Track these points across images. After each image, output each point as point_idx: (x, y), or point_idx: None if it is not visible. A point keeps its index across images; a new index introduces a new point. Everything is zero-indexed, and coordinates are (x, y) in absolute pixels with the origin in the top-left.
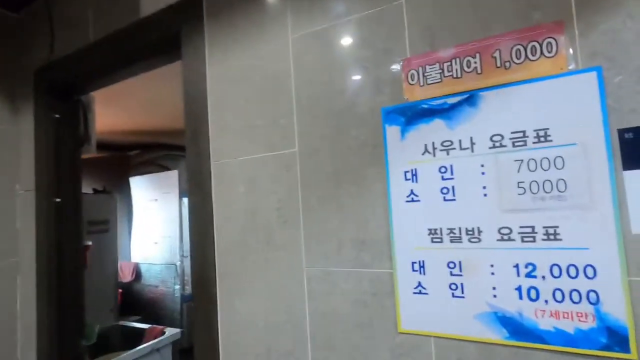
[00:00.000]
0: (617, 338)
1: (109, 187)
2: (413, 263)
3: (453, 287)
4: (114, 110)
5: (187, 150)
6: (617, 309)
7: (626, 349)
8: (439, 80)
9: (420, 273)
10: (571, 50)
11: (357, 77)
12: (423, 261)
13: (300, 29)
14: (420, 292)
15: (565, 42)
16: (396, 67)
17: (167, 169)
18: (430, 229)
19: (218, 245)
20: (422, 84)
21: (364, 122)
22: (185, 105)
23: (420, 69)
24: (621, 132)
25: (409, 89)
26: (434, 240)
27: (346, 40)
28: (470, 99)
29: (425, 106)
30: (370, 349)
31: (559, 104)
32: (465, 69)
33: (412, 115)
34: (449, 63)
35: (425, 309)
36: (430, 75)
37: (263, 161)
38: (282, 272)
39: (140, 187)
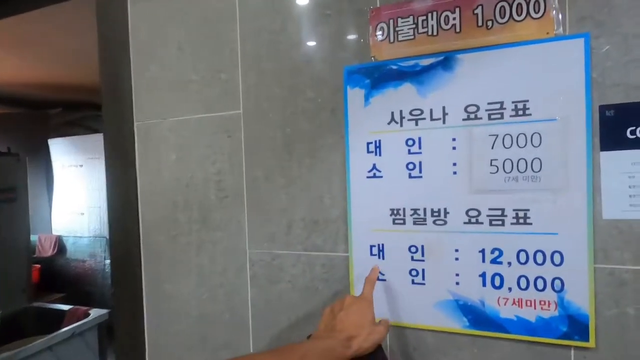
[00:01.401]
0: (577, 327)
1: (18, 149)
2: (372, 247)
3: (414, 273)
4: (26, 61)
5: (104, 108)
6: (580, 297)
7: (585, 338)
8: (412, 37)
9: (379, 257)
10: (560, 12)
11: (315, 27)
12: (382, 244)
13: None
14: (378, 279)
15: (553, 3)
16: (363, 17)
17: (95, 131)
18: (392, 209)
19: (144, 222)
20: (392, 40)
21: (322, 82)
22: (100, 51)
23: (391, 22)
24: (602, 108)
25: (377, 45)
26: (396, 221)
27: None
28: (446, 61)
29: (394, 67)
30: None
31: (542, 73)
32: (443, 25)
33: (379, 77)
34: (424, 17)
35: (383, 296)
36: (402, 30)
37: (200, 123)
38: (221, 255)
39: (62, 151)
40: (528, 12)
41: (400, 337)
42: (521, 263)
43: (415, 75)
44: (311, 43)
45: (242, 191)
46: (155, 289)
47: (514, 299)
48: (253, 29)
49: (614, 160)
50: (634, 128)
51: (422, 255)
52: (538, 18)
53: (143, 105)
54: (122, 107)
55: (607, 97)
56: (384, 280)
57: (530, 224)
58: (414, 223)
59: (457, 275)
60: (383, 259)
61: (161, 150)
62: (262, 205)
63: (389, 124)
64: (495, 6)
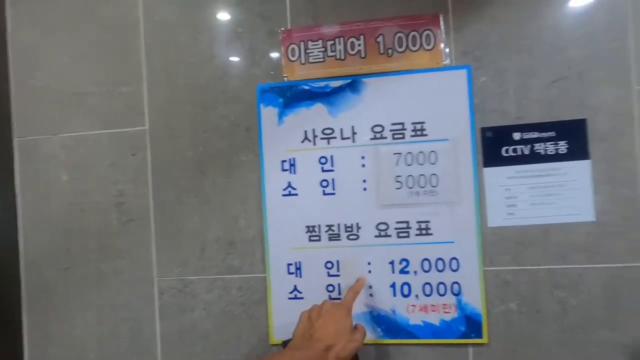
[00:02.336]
0: (473, 326)
1: None
2: (289, 265)
3: (330, 288)
4: None
5: None
6: (474, 299)
7: (480, 335)
8: (322, 59)
9: (297, 276)
10: (446, 46)
11: (228, 44)
12: (300, 262)
13: None
14: (295, 297)
15: (441, 37)
16: (275, 38)
17: None
18: (308, 226)
19: (25, 254)
20: (303, 61)
21: (235, 100)
22: None
23: (302, 44)
24: (483, 130)
25: (289, 66)
26: (312, 238)
27: None
28: (353, 84)
29: (306, 87)
30: None
31: (435, 98)
32: (350, 51)
33: (292, 96)
34: (332, 42)
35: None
36: (313, 53)
37: (98, 140)
38: (124, 286)
39: None
40: (421, 44)
41: None
42: (425, 271)
43: (326, 96)
44: (223, 59)
45: (149, 214)
46: (41, 334)
47: (420, 306)
48: (160, 42)
49: (494, 175)
50: (507, 147)
51: (338, 270)
52: (429, 50)
53: (26, 119)
54: None
55: (486, 120)
56: (302, 298)
57: (432, 234)
58: (329, 239)
59: (370, 287)
60: (300, 277)
61: (50, 170)
62: (172, 229)
63: (302, 142)
64: (394, 36)
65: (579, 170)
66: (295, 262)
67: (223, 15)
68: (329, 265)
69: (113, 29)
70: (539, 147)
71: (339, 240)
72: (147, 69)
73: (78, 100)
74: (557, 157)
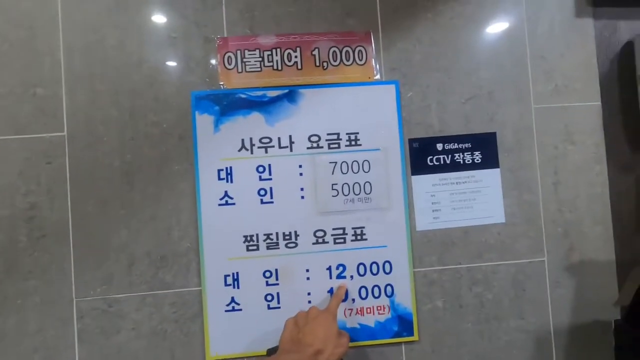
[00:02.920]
0: (405, 325)
1: None
2: (226, 276)
3: (269, 298)
4: None
5: None
6: (405, 299)
7: (411, 333)
8: (259, 69)
9: (234, 287)
10: (377, 62)
11: (160, 49)
12: (237, 273)
13: None
14: (233, 309)
15: (372, 53)
16: (211, 45)
17: None
18: (245, 236)
19: None
20: (240, 70)
21: (168, 107)
22: None
23: (239, 52)
24: (410, 141)
25: (226, 73)
26: (250, 248)
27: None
28: (291, 94)
29: (243, 96)
30: None
31: (367, 110)
32: (286, 62)
33: (228, 104)
34: (269, 52)
35: (239, 327)
36: (250, 62)
37: (5, 147)
38: (34, 310)
39: None
40: (354, 59)
41: None
42: (361, 275)
43: (264, 105)
44: (154, 65)
45: (67, 228)
46: None
47: (357, 309)
48: (82, 42)
49: (421, 183)
50: (431, 157)
51: (277, 279)
52: (362, 65)
53: None
54: None
55: (413, 132)
56: (240, 310)
57: (366, 239)
58: (268, 248)
59: (309, 294)
60: (238, 288)
61: None
62: (95, 244)
63: (239, 151)
64: (329, 50)
65: (491, 178)
66: (233, 273)
67: (155, 19)
68: (268, 274)
69: (25, 26)
70: (458, 157)
71: (278, 248)
72: (65, 71)
73: None
74: (473, 166)
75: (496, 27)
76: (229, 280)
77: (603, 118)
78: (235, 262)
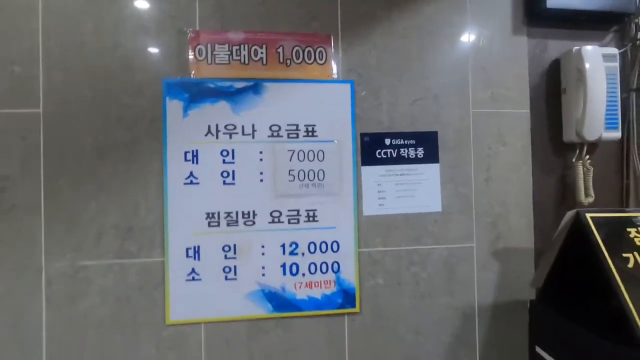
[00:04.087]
0: (348, 298)
1: None
2: (188, 249)
3: (227, 270)
4: None
5: None
6: (349, 275)
7: (353, 305)
8: (227, 62)
9: (195, 259)
10: (335, 62)
11: (134, 37)
12: (198, 246)
13: None
14: (193, 279)
15: (331, 54)
16: (183, 37)
17: None
18: (208, 213)
19: None
20: (210, 61)
21: (140, 91)
22: None
23: (209, 45)
24: (362, 135)
25: (196, 64)
26: (211, 224)
27: None
28: (255, 87)
29: (211, 85)
30: (132, 350)
31: (325, 105)
32: (253, 57)
33: (197, 92)
34: (237, 47)
35: (198, 295)
36: (219, 55)
37: None
38: (6, 276)
39: None
40: (315, 59)
41: (214, 332)
42: (311, 252)
43: (230, 95)
44: (129, 51)
45: (39, 200)
46: None
47: (306, 283)
48: (60, 25)
49: (369, 173)
50: (379, 150)
51: (235, 253)
52: (322, 64)
53: None
54: None
55: (364, 127)
56: (200, 280)
57: (318, 221)
58: (227, 225)
59: (263, 268)
60: (199, 260)
61: None
62: (64, 214)
63: (205, 135)
64: (292, 49)
65: (431, 171)
66: (194, 247)
67: (132, 9)
68: (227, 248)
69: (7, 7)
70: (404, 152)
71: (237, 225)
72: (43, 51)
73: None
74: (416, 160)
75: (444, 40)
76: (190, 252)
77: (531, 124)
78: (198, 237)
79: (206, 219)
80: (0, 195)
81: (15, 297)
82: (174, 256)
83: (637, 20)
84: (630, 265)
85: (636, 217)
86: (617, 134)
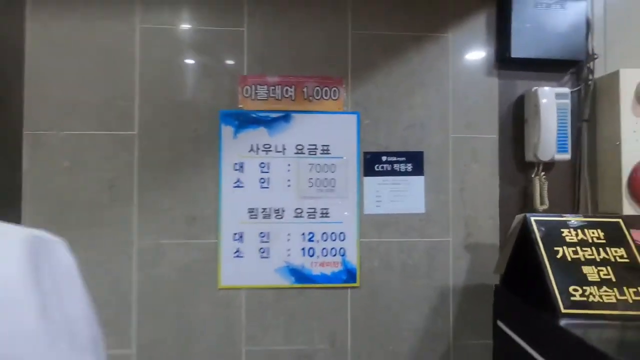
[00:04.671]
0: (351, 275)
1: None
2: (234, 234)
3: (262, 250)
4: None
5: None
6: (352, 258)
7: (355, 281)
8: (266, 98)
9: (239, 241)
10: (345, 98)
11: (200, 80)
12: (242, 232)
13: (149, 22)
14: (238, 256)
15: (343, 92)
16: (235, 80)
17: None
18: (249, 208)
19: (25, 222)
20: (253, 98)
21: (203, 119)
22: None
23: (253, 86)
24: (365, 154)
25: (243, 100)
26: (251, 217)
27: (193, 45)
28: (286, 117)
29: (254, 115)
30: (194, 306)
31: (337, 130)
32: (284, 94)
33: (244, 120)
34: (273, 87)
35: (241, 268)
36: (260, 93)
37: (94, 139)
38: (109, 247)
39: None
40: (330, 96)
41: (252, 295)
42: (324, 240)
43: (268, 122)
44: (196, 90)
45: (133, 195)
46: None
47: (319, 263)
48: (151, 71)
49: (370, 182)
50: (377, 165)
51: (268, 238)
52: (335, 99)
53: (35, 118)
54: (9, 116)
55: (366, 147)
56: (242, 257)
57: (329, 216)
58: (263, 217)
59: (288, 250)
60: (242, 242)
61: (52, 159)
62: (150, 206)
63: (249, 152)
64: (314, 88)
65: (417, 182)
66: (239, 232)
67: (199, 61)
68: (262, 235)
69: (114, 58)
70: (397, 166)
71: (270, 218)
72: (139, 90)
73: (80, 108)
74: (406, 173)
75: (430, 81)
76: (237, 237)
77: (499, 146)
78: (242, 225)
79: (248, 212)
80: (109, 191)
81: (115, 263)
82: (225, 239)
83: (588, 65)
84: (559, 256)
85: (570, 221)
86: (567, 156)
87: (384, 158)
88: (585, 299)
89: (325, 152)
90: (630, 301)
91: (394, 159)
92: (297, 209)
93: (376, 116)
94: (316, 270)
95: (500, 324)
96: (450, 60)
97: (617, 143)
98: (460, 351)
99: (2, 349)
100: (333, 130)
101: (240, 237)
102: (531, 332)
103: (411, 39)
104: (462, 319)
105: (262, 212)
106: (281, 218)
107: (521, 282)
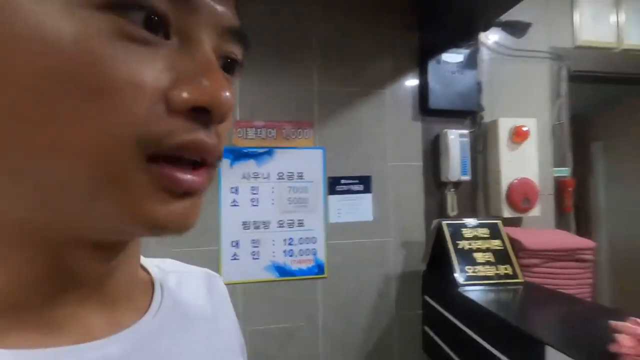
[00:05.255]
0: (321, 269)
1: None
2: (232, 242)
3: (253, 254)
4: None
5: None
6: (322, 255)
7: (323, 273)
8: (254, 138)
9: (236, 247)
10: (316, 136)
11: None
12: (238, 241)
13: None
14: (235, 259)
15: (313, 132)
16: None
17: None
18: (243, 222)
19: None
20: (245, 138)
21: None
22: None
23: (245, 129)
24: (329, 178)
25: (237, 139)
26: (245, 228)
27: None
28: (270, 151)
29: (245, 151)
30: None
31: (308, 161)
32: (268, 135)
33: (238, 155)
34: (260, 130)
35: (237, 268)
36: (249, 134)
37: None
38: None
39: None
40: (304, 135)
41: (248, 287)
42: (300, 244)
43: (256, 156)
44: None
45: None
46: None
47: (298, 260)
48: None
49: (333, 199)
50: (338, 186)
51: (258, 245)
52: (307, 138)
53: None
54: None
55: (331, 173)
56: (238, 259)
57: (304, 225)
58: (254, 228)
59: (273, 252)
60: (238, 248)
61: None
62: None
63: (242, 178)
64: (291, 130)
65: (367, 198)
66: (236, 240)
67: None
68: (253, 241)
69: None
70: (352, 187)
71: (259, 229)
72: None
73: None
74: (358, 192)
75: (372, 124)
76: (234, 244)
77: (423, 171)
78: (238, 235)
79: (242, 225)
80: None
81: None
82: (224, 246)
83: (479, 114)
84: (460, 247)
85: (468, 223)
86: (468, 177)
87: (342, 181)
88: (475, 274)
89: (300, 177)
90: (502, 274)
91: (350, 181)
92: (279, 220)
93: (337, 150)
94: (295, 267)
95: (426, 297)
96: (387, 109)
97: (498, 169)
98: (401, 320)
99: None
100: (306, 161)
101: (236, 244)
102: (444, 300)
103: (360, 94)
104: (401, 297)
105: (253, 224)
106: (267, 228)
107: (439, 267)
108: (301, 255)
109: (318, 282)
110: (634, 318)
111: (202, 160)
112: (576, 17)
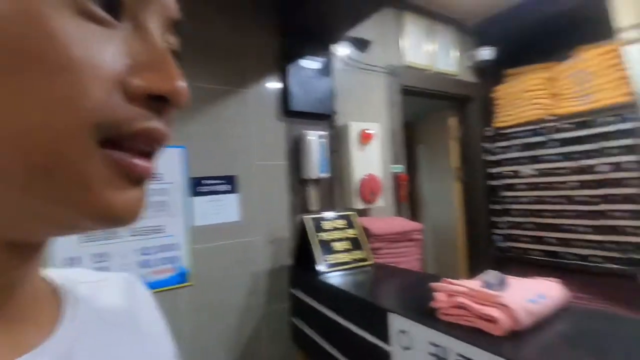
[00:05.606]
0: (184, 277)
1: None
2: (66, 259)
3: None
4: None
5: None
6: (186, 263)
7: (186, 281)
8: None
9: (74, 266)
10: (174, 134)
11: None
12: (75, 257)
13: None
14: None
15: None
16: None
17: None
18: (81, 234)
19: None
20: None
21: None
22: None
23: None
24: (190, 179)
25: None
26: (84, 241)
27: None
28: None
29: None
30: None
31: (168, 161)
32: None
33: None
34: None
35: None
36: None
37: None
38: None
39: None
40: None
41: None
42: (160, 252)
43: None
44: None
45: None
46: None
47: (157, 270)
48: None
49: (198, 201)
50: (201, 187)
51: (104, 259)
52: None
53: None
54: None
55: (193, 173)
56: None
57: (164, 232)
58: (98, 241)
59: (124, 266)
60: (78, 266)
61: None
62: None
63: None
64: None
65: (233, 198)
66: (72, 257)
67: None
68: (97, 256)
69: None
70: (218, 187)
71: (105, 241)
72: None
73: None
74: (225, 192)
75: (237, 123)
76: (68, 261)
77: (287, 169)
78: (73, 250)
79: (78, 238)
80: None
81: None
82: (57, 266)
83: (334, 117)
84: (320, 239)
85: (327, 216)
86: (327, 175)
87: (206, 182)
88: (334, 261)
89: (159, 179)
90: (357, 258)
91: (215, 181)
92: (131, 228)
93: (198, 150)
94: (155, 278)
95: (292, 290)
96: (251, 109)
97: (351, 167)
98: (270, 315)
99: None
100: (163, 160)
101: (73, 261)
102: (308, 289)
103: (224, 92)
104: (270, 293)
105: (96, 235)
106: (117, 239)
107: (304, 259)
108: (162, 265)
109: (183, 291)
110: (445, 279)
111: (151, 149)
112: (403, 43)
